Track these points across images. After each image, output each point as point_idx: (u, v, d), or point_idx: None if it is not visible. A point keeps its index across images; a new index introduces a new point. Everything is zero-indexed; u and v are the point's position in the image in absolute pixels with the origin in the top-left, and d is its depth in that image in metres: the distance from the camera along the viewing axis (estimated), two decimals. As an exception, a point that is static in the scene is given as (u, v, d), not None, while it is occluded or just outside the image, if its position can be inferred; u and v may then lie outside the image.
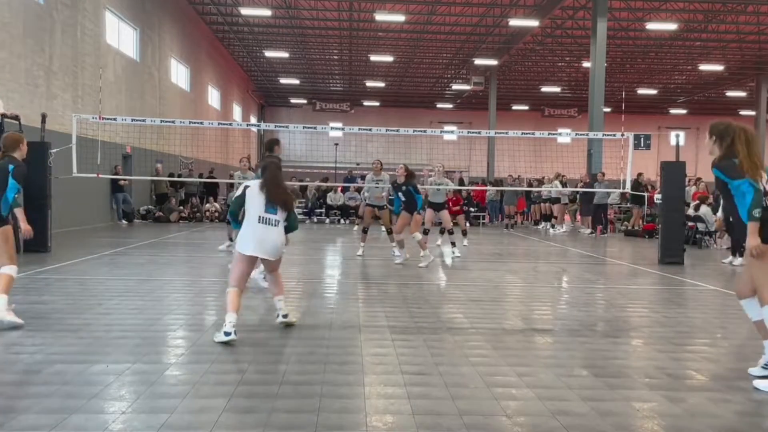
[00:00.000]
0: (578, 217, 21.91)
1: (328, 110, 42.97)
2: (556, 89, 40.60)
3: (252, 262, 5.56)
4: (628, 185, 14.24)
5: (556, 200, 20.39)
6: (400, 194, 10.95)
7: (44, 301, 6.81)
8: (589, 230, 19.37)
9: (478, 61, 32.25)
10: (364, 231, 11.78)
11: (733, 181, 4.30)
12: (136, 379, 4.21)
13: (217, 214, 21.16)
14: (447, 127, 41.29)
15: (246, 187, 5.57)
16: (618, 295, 8.16)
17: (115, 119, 14.52)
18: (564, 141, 29.89)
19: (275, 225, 5.48)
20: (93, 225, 17.32)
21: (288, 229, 5.62)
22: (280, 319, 5.77)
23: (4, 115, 11.30)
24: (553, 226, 20.19)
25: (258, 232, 5.42)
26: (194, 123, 16.77)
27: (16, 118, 11.61)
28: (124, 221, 19.09)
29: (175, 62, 25.90)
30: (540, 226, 21.17)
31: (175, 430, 3.37)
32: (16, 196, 5.76)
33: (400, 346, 5.16)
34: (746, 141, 4.39)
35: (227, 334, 5.09)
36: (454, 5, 26.32)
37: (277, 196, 5.49)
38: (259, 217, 5.44)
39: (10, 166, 5.70)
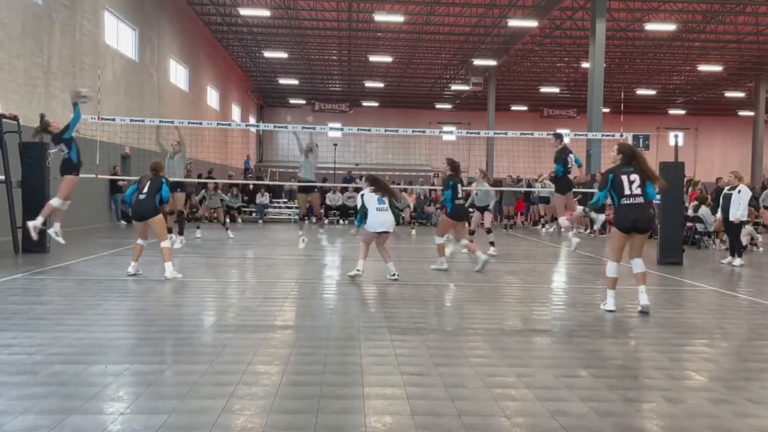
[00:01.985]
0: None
1: (327, 110, 42.95)
2: (555, 90, 40.63)
3: (374, 238, 8.70)
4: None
5: (545, 199, 20.64)
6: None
7: (43, 301, 6.80)
8: (588, 230, 19.39)
9: (477, 62, 32.27)
10: None
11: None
12: (135, 379, 4.20)
13: (216, 215, 21.09)
14: (446, 128, 41.28)
15: (362, 195, 8.89)
16: (617, 295, 8.16)
17: (113, 119, 14.51)
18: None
19: (386, 210, 8.67)
20: (91, 225, 17.31)
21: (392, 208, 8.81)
22: (389, 277, 8.67)
23: (2, 116, 11.29)
24: (543, 225, 20.58)
25: (377, 216, 8.62)
26: (193, 123, 16.75)
27: (15, 118, 11.61)
28: (122, 222, 19.07)
29: (174, 62, 25.89)
30: (539, 226, 21.29)
31: (173, 430, 3.37)
32: (166, 197, 8.77)
33: (399, 346, 5.16)
34: (645, 161, 6.79)
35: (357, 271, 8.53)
36: (453, 6, 26.33)
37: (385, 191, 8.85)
38: (376, 208, 8.63)
39: (163, 180, 8.80)
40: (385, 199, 8.71)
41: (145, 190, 8.72)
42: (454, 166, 10.21)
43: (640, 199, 6.62)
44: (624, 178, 6.64)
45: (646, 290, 6.83)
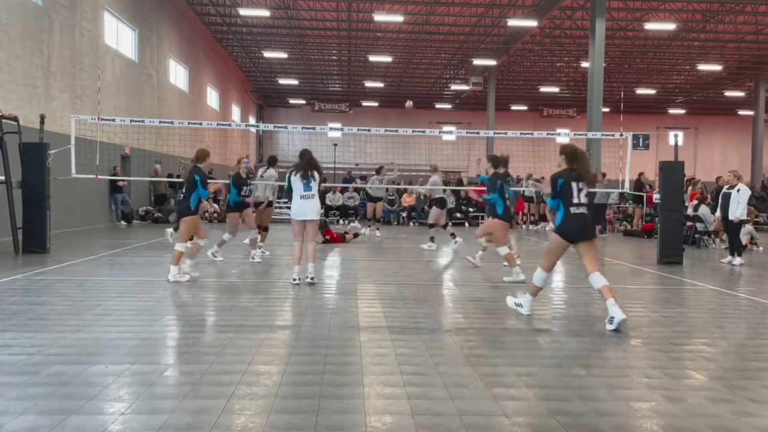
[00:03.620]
0: None
1: (327, 111, 42.94)
2: (555, 89, 40.63)
3: (300, 228, 8.36)
4: (627, 185, 14.24)
5: (530, 199, 21.67)
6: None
7: (43, 302, 6.80)
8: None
9: (476, 62, 32.24)
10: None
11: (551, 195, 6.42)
12: (135, 380, 4.21)
13: (216, 215, 21.14)
14: (446, 128, 41.27)
15: (290, 175, 8.37)
16: (618, 295, 8.16)
17: (113, 120, 14.50)
18: (563, 141, 29.91)
19: (311, 198, 8.27)
20: (92, 226, 17.31)
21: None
22: (307, 280, 8.23)
23: (2, 116, 11.29)
24: (523, 224, 21.63)
25: (299, 205, 8.28)
26: (193, 124, 16.74)
27: (15, 119, 11.60)
28: (122, 222, 19.08)
29: (173, 63, 25.89)
30: (539, 226, 21.45)
31: (174, 430, 3.37)
32: (204, 195, 8.54)
33: (399, 346, 5.16)
34: (586, 160, 6.52)
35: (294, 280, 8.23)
36: (453, 5, 26.32)
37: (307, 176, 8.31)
38: (300, 195, 8.21)
39: (197, 177, 8.32)
40: (313, 186, 8.23)
41: (183, 188, 8.62)
42: (497, 162, 9.33)
43: (585, 209, 6.27)
44: (573, 185, 6.23)
45: (615, 303, 5.99)
